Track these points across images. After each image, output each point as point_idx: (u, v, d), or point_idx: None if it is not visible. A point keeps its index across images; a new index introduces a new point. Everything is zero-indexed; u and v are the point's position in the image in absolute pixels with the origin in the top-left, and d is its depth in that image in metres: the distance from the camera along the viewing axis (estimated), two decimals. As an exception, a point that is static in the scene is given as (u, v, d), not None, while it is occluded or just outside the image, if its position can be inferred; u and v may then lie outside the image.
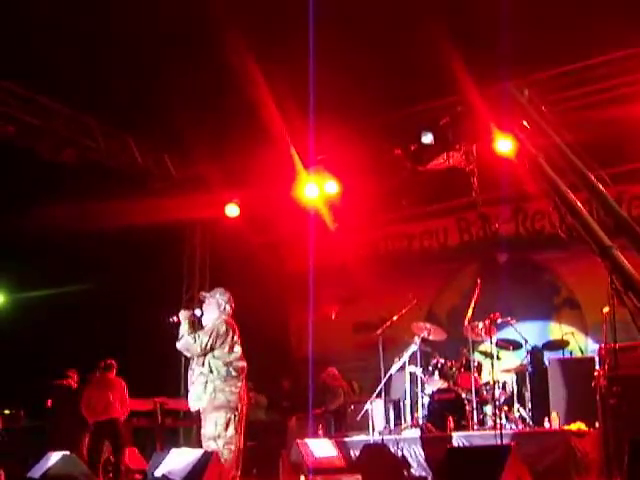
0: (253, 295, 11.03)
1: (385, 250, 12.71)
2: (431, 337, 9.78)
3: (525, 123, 7.33)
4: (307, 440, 8.28)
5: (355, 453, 8.52)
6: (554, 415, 8.71)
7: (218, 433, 6.58)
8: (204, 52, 8.55)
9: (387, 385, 9.82)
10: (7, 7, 7.84)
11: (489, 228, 11.34)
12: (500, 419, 8.39)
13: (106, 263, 11.24)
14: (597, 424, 7.56)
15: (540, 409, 9.08)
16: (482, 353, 10.07)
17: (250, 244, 12.02)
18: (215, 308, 6.95)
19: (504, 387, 9.18)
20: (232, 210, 11.84)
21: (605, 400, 6.91)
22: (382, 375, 9.38)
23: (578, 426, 8.09)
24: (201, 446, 6.76)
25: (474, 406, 8.90)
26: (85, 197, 9.91)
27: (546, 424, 8.76)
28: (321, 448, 8.09)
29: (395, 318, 9.71)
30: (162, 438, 10.61)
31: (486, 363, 9.34)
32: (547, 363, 9.76)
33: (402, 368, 9.68)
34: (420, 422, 9.16)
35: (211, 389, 6.63)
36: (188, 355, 6.87)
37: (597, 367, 7.65)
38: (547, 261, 11.33)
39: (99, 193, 10.12)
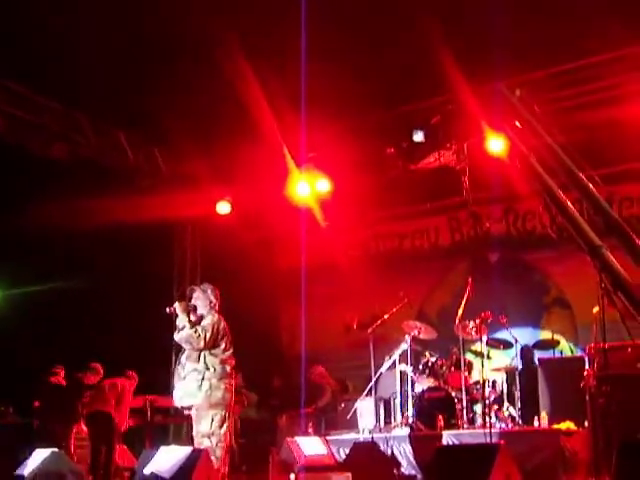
0: (244, 293, 11.04)
1: (376, 249, 12.71)
2: (422, 336, 9.80)
3: (517, 123, 7.35)
4: (297, 438, 8.26)
5: (345, 451, 8.53)
6: (543, 414, 8.74)
7: (212, 430, 6.60)
8: (195, 48, 8.52)
9: (377, 383, 9.84)
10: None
11: (480, 227, 11.35)
12: (490, 418, 8.43)
13: (95, 261, 11.17)
14: (586, 423, 7.57)
15: (530, 408, 9.10)
16: (472, 352, 10.09)
17: (241, 241, 11.98)
18: (206, 303, 6.95)
19: (494, 386, 9.19)
20: (224, 207, 11.82)
21: (594, 399, 6.92)
22: (372, 373, 9.38)
23: (567, 425, 8.13)
24: (192, 443, 6.76)
25: (464, 405, 8.93)
26: (75, 194, 9.84)
27: (535, 423, 8.80)
28: (311, 446, 8.07)
29: (386, 317, 9.73)
30: (152, 436, 10.60)
31: (476, 362, 9.36)
32: (537, 362, 9.79)
33: (392, 366, 9.70)
34: (410, 420, 9.17)
35: (207, 386, 6.63)
36: (187, 348, 6.81)
37: (587, 367, 7.67)
38: (537, 261, 11.35)
39: (90, 190, 10.06)
